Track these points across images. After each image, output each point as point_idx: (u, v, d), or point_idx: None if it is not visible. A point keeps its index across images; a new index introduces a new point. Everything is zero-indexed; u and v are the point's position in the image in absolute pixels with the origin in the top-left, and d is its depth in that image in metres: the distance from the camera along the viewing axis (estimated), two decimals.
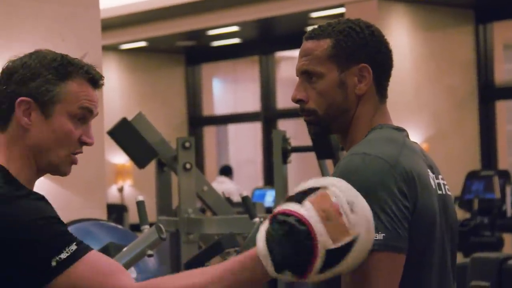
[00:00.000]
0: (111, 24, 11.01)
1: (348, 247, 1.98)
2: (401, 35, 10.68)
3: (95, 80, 2.28)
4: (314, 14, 11.17)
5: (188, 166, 4.76)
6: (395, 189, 2.14)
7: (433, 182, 2.27)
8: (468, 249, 8.29)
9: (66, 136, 2.25)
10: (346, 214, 1.97)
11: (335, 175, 2.18)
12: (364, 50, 2.31)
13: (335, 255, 1.98)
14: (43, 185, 4.82)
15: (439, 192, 2.30)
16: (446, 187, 2.37)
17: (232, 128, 16.18)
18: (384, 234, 2.10)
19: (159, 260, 4.07)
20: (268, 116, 13.51)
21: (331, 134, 2.41)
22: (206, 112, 14.91)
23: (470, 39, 11.45)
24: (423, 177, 2.23)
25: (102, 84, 2.31)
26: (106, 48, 6.61)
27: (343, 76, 2.29)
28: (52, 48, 4.87)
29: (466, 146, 11.19)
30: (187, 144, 4.76)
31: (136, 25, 12.42)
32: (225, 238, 4.11)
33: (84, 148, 5.08)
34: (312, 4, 10.82)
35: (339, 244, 1.97)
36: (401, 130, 2.36)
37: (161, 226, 3.59)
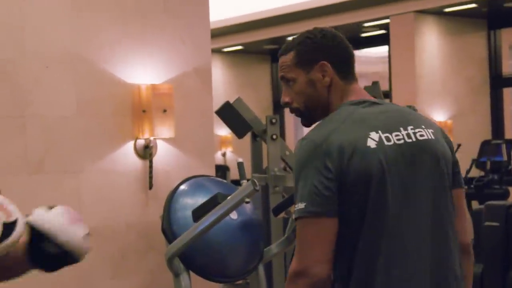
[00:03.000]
0: (217, 33, 11.02)
1: (15, 224, 1.95)
2: (431, 39, 10.51)
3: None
4: (366, 24, 11.05)
5: (274, 136, 4.74)
6: (319, 164, 2.02)
7: (373, 141, 2.06)
8: (482, 198, 8.17)
9: None
10: (7, 206, 1.96)
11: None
12: (319, 52, 2.22)
13: (9, 228, 1.94)
14: (170, 151, 4.87)
15: (407, 140, 2.11)
16: (418, 134, 2.15)
17: None
18: (305, 203, 2.01)
19: (253, 206, 4.05)
20: None
21: (315, 122, 2.25)
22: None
23: (484, 41, 11.24)
24: (356, 143, 2.05)
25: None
26: (213, 51, 6.61)
27: (309, 75, 2.22)
28: (174, 50, 4.91)
29: (481, 122, 11.00)
30: (273, 121, 4.73)
31: (235, 33, 12.43)
32: None
33: (198, 123, 5.13)
34: (365, 17, 10.70)
35: (11, 219, 1.95)
36: (358, 103, 2.20)
37: (255, 180, 3.57)
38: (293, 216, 2.05)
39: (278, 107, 14.47)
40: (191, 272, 3.76)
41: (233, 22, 11.73)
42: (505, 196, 8.84)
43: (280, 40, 12.79)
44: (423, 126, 2.18)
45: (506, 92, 11.50)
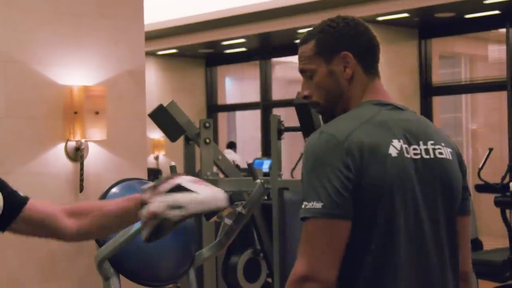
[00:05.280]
0: (152, 35, 10.96)
1: (188, 192, 1.92)
2: None
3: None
4: (301, 30, 11.13)
5: (207, 140, 4.74)
6: (339, 163, 1.88)
7: (394, 149, 1.94)
8: None
9: None
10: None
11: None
12: (342, 41, 2.06)
13: (180, 189, 1.93)
14: (101, 154, 4.81)
15: (425, 156, 2.00)
16: (437, 151, 2.02)
17: (239, 114, 16.14)
18: (323, 203, 1.86)
19: None
20: (265, 105, 13.48)
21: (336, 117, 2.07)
22: (220, 101, 14.87)
23: (415, 50, 11.44)
24: (378, 147, 1.92)
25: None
26: (147, 54, 6.57)
27: (330, 66, 2.05)
28: (108, 52, 4.86)
29: None
30: (207, 124, 4.73)
31: (169, 36, 12.39)
32: (234, 194, 4.09)
33: (130, 125, 5.08)
34: (299, 23, 10.79)
35: (186, 186, 1.94)
36: (382, 104, 2.05)
37: None
38: (302, 215, 1.89)
39: (212, 111, 14.48)
40: (121, 276, 3.73)
41: (168, 25, 11.69)
42: None
43: (215, 44, 12.80)
44: (443, 144, 2.05)
45: (436, 100, 11.72)
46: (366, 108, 2.03)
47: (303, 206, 1.89)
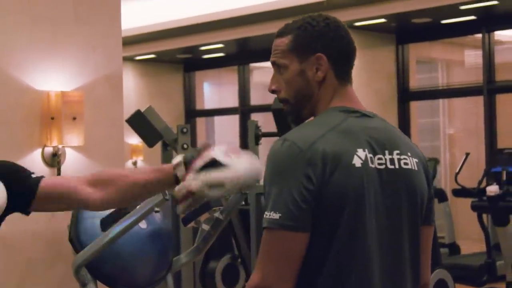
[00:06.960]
0: (129, 41, 10.94)
1: (224, 167, 1.90)
2: None
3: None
4: None
5: (185, 146, 4.74)
6: (300, 173, 1.82)
7: (359, 159, 1.89)
8: None
9: None
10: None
11: None
12: (319, 41, 2.00)
13: (215, 165, 1.91)
14: (79, 159, 4.79)
15: (389, 166, 1.95)
16: (403, 161, 1.97)
17: (217, 119, 16.14)
18: (280, 214, 1.81)
19: (163, 215, 4.03)
20: (244, 110, 13.48)
21: (303, 120, 2.03)
22: (198, 107, 14.86)
23: (392, 55, 11.49)
24: (342, 157, 1.86)
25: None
26: (125, 59, 6.54)
27: (303, 66, 2.00)
28: (85, 57, 4.84)
29: None
30: (184, 130, 4.73)
31: (147, 42, 12.36)
32: (212, 199, 4.08)
33: (108, 131, 5.06)
34: (277, 28, 10.67)
35: (221, 160, 1.91)
36: (349, 111, 2.00)
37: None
38: (263, 224, 1.86)
39: (190, 116, 14.46)
40: (98, 282, 3.72)
41: (145, 30, 11.67)
42: None
43: (193, 49, 12.79)
44: (409, 154, 2.00)
45: (413, 105, 11.78)
46: (332, 115, 1.98)
47: (264, 216, 1.86)
